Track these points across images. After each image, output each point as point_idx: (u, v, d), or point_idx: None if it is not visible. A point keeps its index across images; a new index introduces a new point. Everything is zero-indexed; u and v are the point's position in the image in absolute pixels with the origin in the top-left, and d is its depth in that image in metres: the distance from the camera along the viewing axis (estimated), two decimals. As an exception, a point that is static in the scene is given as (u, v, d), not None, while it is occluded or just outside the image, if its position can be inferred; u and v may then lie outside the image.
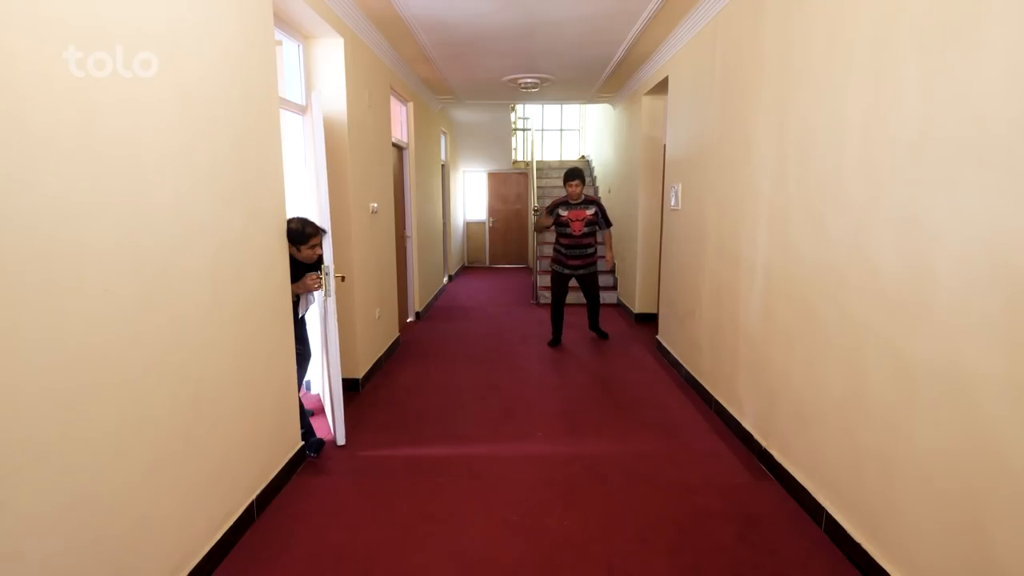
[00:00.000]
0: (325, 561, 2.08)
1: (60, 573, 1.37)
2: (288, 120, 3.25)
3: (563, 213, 4.75)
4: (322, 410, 3.46)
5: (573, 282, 5.15)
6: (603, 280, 7.30)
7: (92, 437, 1.45)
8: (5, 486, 1.22)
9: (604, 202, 8.32)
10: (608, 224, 4.84)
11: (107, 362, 1.50)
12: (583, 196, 4.74)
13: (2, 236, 1.19)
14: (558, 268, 4.92)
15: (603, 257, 5.39)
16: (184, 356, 1.83)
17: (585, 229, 4.74)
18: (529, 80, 5.70)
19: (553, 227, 4.86)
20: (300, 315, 2.96)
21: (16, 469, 1.24)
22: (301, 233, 2.76)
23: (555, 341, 5.01)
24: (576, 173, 4.67)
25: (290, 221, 2.72)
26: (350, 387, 3.79)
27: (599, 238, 5.24)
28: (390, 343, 4.64)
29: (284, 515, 2.36)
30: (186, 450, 1.85)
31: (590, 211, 4.73)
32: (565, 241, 4.81)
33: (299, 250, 2.78)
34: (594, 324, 5.20)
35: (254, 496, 2.31)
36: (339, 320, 3.70)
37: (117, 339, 1.53)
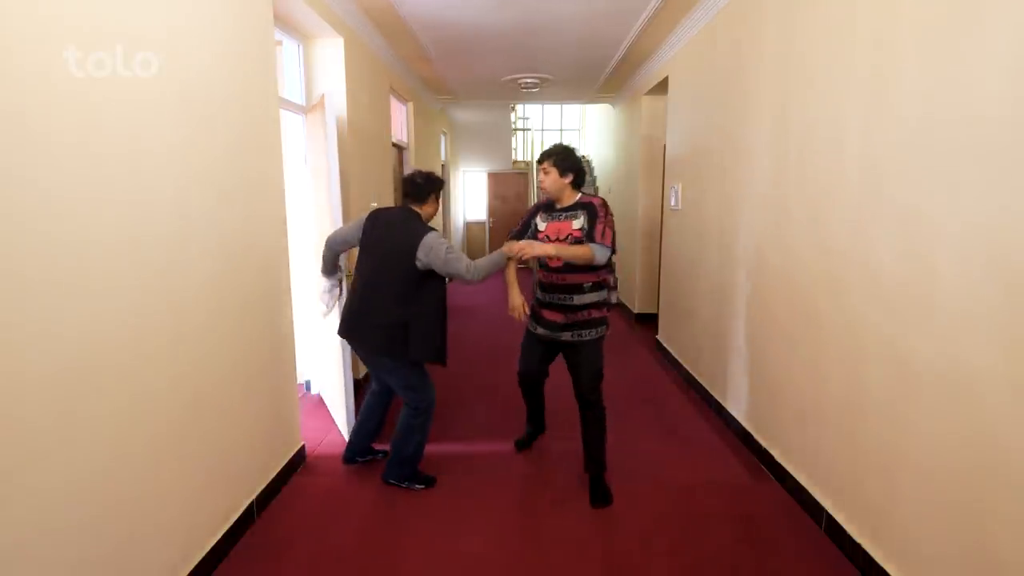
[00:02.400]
0: (325, 561, 2.08)
1: (60, 572, 1.37)
2: (288, 120, 3.25)
3: (541, 226, 2.52)
4: (323, 411, 3.46)
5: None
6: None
7: (92, 436, 1.45)
8: (6, 484, 1.22)
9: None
10: (593, 241, 2.35)
11: (107, 361, 1.50)
12: (578, 195, 2.49)
13: (2, 235, 1.19)
14: (531, 325, 2.63)
15: (603, 307, 2.50)
16: (184, 355, 1.83)
17: None
18: (529, 80, 5.70)
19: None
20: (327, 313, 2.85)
21: (17, 468, 1.24)
22: (437, 180, 2.44)
23: (526, 438, 2.97)
24: (547, 153, 2.48)
25: (415, 175, 2.43)
26: (350, 387, 3.78)
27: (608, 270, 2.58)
28: (390, 343, 4.63)
29: (284, 515, 2.36)
30: (185, 449, 1.85)
31: (578, 223, 2.40)
32: (541, 275, 2.52)
33: (438, 201, 2.44)
34: (595, 459, 2.53)
35: (254, 496, 2.30)
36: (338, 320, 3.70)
37: (117, 338, 1.53)
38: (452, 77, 5.78)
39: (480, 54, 4.83)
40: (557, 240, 2.44)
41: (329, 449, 2.95)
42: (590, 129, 10.04)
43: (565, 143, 2.58)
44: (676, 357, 4.32)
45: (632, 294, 6.11)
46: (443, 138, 8.18)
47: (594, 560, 2.08)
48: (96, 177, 1.45)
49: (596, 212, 2.42)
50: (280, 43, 3.20)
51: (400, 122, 5.58)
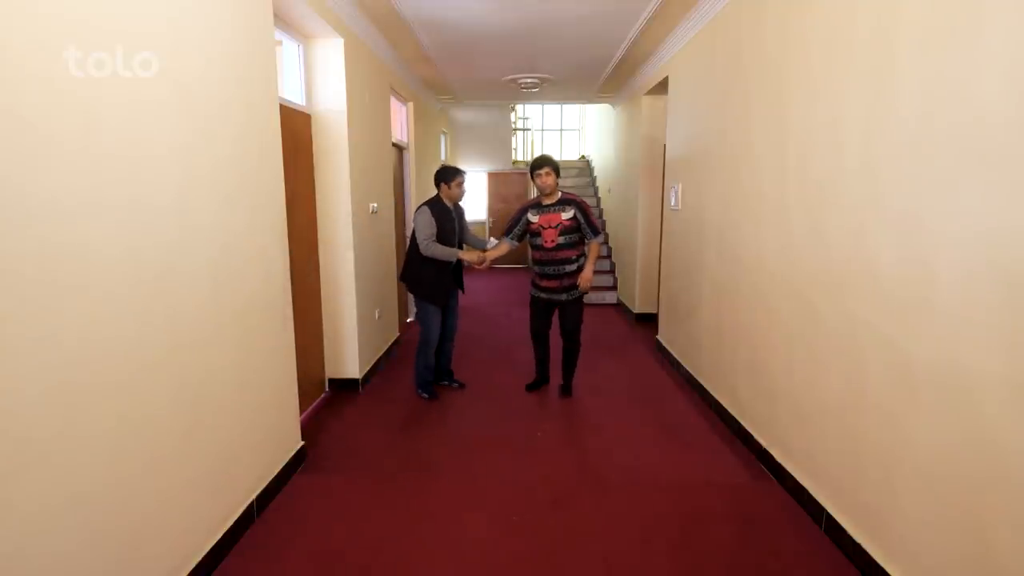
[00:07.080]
0: (325, 561, 2.08)
1: (61, 573, 1.37)
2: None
3: (533, 219, 3.46)
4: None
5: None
6: (600, 280, 7.26)
7: (92, 438, 1.45)
8: (7, 486, 1.22)
9: (605, 202, 8.28)
10: (595, 232, 3.45)
11: (107, 363, 1.50)
12: (559, 193, 3.45)
13: (2, 236, 1.19)
14: (534, 292, 3.63)
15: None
16: (184, 356, 1.83)
17: (560, 240, 3.39)
18: (529, 80, 5.70)
19: (527, 237, 3.56)
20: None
21: (18, 469, 1.24)
22: (453, 170, 3.49)
23: (535, 383, 3.86)
24: (544, 160, 3.40)
25: (442, 167, 3.53)
26: (350, 387, 3.79)
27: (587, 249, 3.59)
28: (390, 343, 4.64)
29: (284, 515, 2.36)
30: (186, 450, 1.85)
31: (567, 215, 3.39)
32: (537, 255, 3.52)
33: (449, 187, 3.46)
34: (567, 375, 3.78)
35: (254, 496, 2.30)
36: (338, 321, 3.71)
37: (118, 340, 1.53)
38: (453, 77, 5.78)
39: (480, 54, 4.83)
40: (550, 228, 3.42)
41: (329, 449, 2.96)
42: (590, 129, 10.03)
43: (549, 154, 3.55)
44: (676, 357, 4.32)
45: (632, 294, 6.11)
46: (443, 138, 8.18)
47: (594, 559, 2.08)
48: (96, 179, 1.45)
49: (584, 208, 3.44)
50: (280, 43, 3.20)
51: (400, 122, 5.58)
